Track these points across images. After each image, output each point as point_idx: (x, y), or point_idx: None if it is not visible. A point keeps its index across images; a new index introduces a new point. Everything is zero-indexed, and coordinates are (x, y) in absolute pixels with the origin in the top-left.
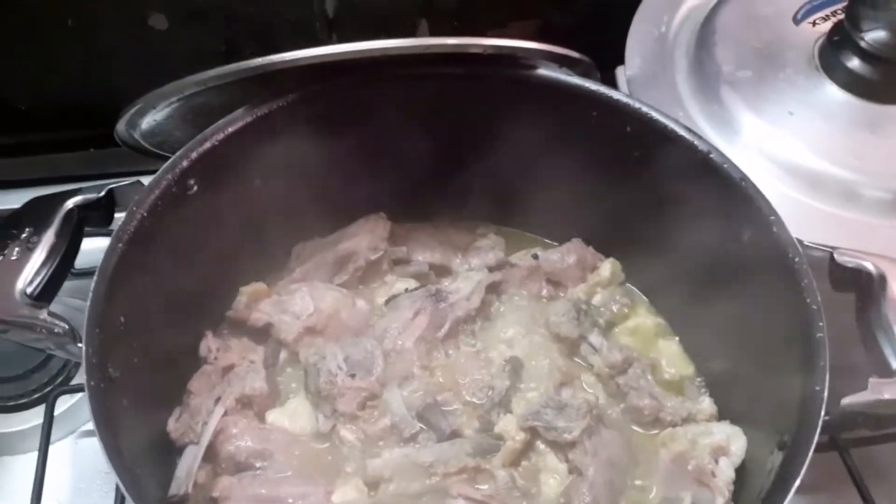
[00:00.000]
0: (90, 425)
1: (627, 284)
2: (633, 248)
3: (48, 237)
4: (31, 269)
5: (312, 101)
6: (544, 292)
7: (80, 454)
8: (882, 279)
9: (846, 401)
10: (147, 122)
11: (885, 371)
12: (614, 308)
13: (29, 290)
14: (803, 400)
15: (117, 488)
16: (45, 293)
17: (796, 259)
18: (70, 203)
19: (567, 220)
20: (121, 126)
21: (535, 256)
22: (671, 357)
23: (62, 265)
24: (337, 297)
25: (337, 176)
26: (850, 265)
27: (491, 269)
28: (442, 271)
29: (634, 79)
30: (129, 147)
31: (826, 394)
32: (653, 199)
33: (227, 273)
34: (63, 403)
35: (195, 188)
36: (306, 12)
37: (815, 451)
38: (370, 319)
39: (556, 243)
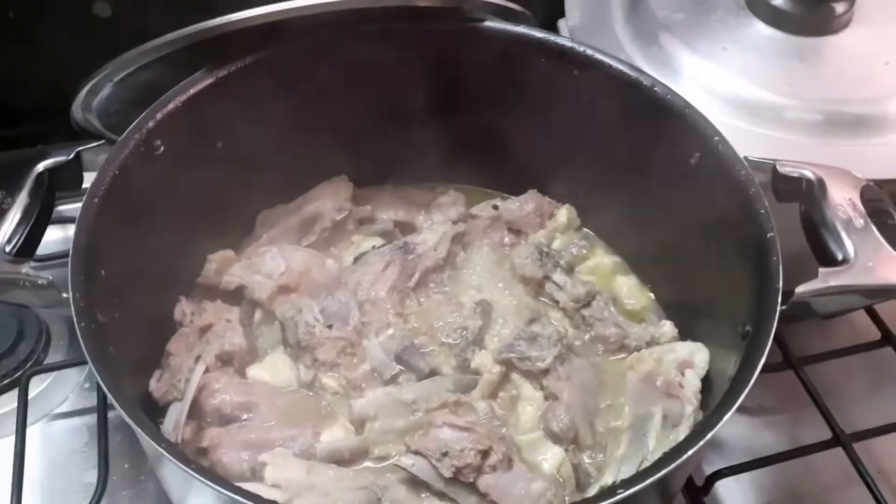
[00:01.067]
0: (63, 407)
1: (584, 229)
2: (588, 194)
3: (21, 198)
4: (8, 229)
5: (268, 65)
6: (506, 240)
7: (53, 436)
8: (822, 184)
9: (800, 289)
10: (101, 101)
11: (830, 263)
12: (573, 251)
13: (8, 249)
14: (760, 291)
15: (98, 460)
16: (25, 250)
17: (742, 172)
18: (40, 166)
19: (522, 173)
20: (76, 107)
21: (496, 207)
22: (630, 290)
23: (38, 224)
24: (306, 256)
25: (295, 141)
26: (792, 175)
27: (454, 223)
28: (407, 228)
29: (576, 29)
30: (83, 131)
31: (781, 284)
32: (602, 140)
33: (195, 239)
34: (34, 388)
35: (161, 149)
36: None
37: (772, 370)
38: (341, 277)
39: (513, 196)
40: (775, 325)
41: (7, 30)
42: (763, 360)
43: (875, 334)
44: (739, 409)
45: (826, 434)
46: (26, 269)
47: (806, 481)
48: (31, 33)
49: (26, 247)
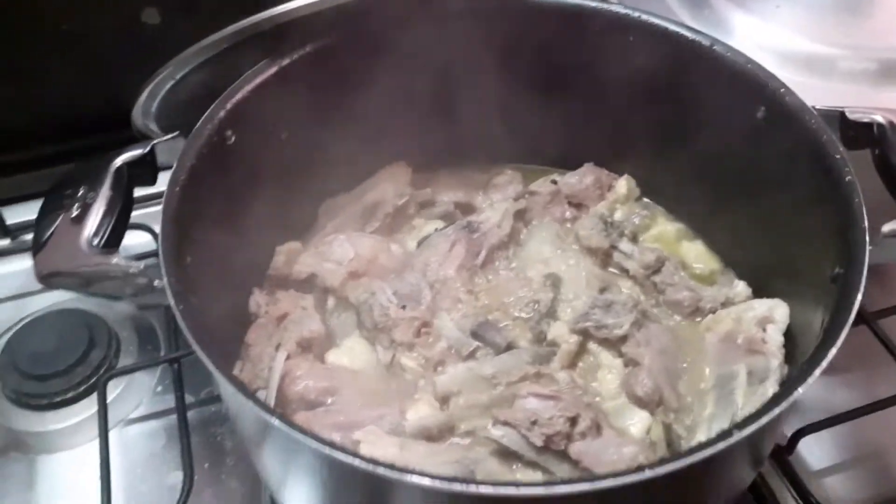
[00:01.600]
0: (138, 412)
1: (644, 199)
2: (647, 162)
3: (104, 192)
4: (94, 222)
5: (327, 53)
6: (567, 214)
7: (131, 441)
8: (893, 127)
9: (886, 228)
10: (160, 104)
11: None
12: (635, 221)
13: (95, 242)
14: (847, 233)
15: (182, 460)
16: (112, 241)
17: (812, 121)
18: (118, 160)
19: (578, 147)
20: (136, 112)
21: (554, 182)
22: (697, 255)
23: (122, 216)
24: (373, 242)
25: (354, 129)
26: (863, 120)
27: (515, 200)
28: (467, 209)
29: None
30: (144, 137)
31: (866, 224)
32: (660, 106)
33: (263, 231)
34: (108, 395)
35: (233, 139)
36: None
37: None
38: (407, 261)
39: (569, 172)
40: (867, 260)
41: (61, 43)
42: (860, 297)
43: None
44: None
45: None
46: (116, 258)
47: (885, 435)
48: (84, 44)
49: (112, 238)
